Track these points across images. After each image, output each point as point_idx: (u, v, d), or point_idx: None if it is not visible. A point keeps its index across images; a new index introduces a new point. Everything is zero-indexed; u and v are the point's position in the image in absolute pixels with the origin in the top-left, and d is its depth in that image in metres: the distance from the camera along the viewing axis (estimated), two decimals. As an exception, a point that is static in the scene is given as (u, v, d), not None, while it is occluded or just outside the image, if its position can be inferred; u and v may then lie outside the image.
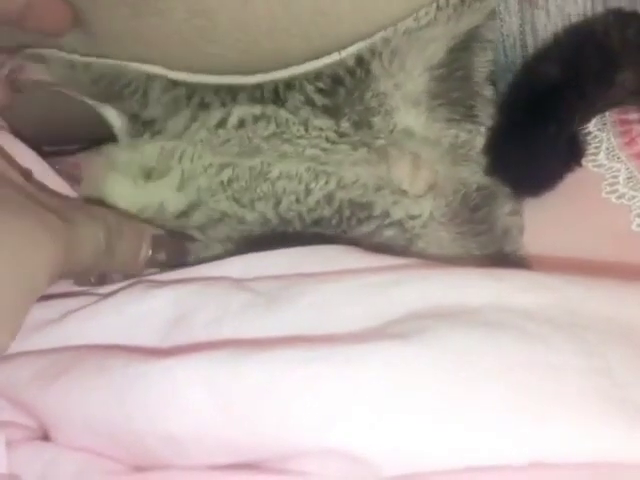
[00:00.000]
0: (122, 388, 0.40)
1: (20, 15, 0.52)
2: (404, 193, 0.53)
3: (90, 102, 0.57)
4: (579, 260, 0.51)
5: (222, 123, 0.56)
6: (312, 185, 0.53)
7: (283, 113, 0.56)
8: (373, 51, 0.53)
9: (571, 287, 0.41)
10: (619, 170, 0.54)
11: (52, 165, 0.55)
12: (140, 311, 0.45)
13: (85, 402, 0.41)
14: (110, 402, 0.40)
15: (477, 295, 0.41)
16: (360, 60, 0.54)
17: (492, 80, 0.56)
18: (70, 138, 0.64)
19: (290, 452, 0.38)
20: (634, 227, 0.52)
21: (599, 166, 0.55)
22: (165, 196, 0.55)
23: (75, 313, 0.46)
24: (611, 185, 0.54)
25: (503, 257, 0.53)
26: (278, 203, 0.54)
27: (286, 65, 0.57)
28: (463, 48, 0.54)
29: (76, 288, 0.50)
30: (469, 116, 0.55)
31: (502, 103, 0.54)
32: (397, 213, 0.53)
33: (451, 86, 0.54)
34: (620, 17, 0.54)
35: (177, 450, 0.39)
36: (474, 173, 0.54)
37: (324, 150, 0.54)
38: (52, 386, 0.41)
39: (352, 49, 0.53)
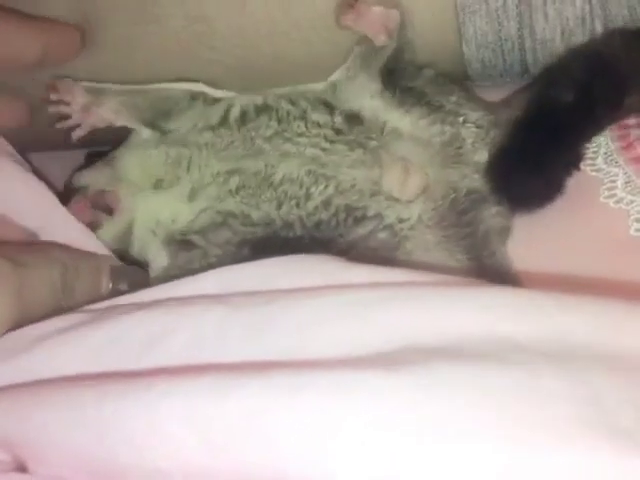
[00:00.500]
0: (99, 426, 0.39)
1: (38, 58, 0.53)
2: (396, 199, 0.54)
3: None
4: (574, 266, 0.51)
5: (224, 119, 0.57)
6: (312, 189, 0.54)
7: (284, 104, 0.56)
8: (334, 86, 0.58)
9: (558, 313, 0.40)
10: (617, 174, 0.54)
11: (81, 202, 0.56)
12: (111, 336, 0.44)
13: (62, 440, 0.40)
14: (89, 440, 0.39)
15: (463, 323, 0.40)
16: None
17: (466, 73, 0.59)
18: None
19: None
20: (632, 232, 0.53)
21: (597, 170, 0.55)
22: (178, 208, 0.56)
23: (44, 342, 0.44)
24: (609, 189, 0.54)
25: (485, 263, 0.54)
26: (280, 206, 0.54)
27: (286, 70, 0.57)
28: (389, 75, 0.57)
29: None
30: (447, 111, 0.56)
31: (513, 125, 0.55)
32: (389, 217, 0.54)
33: (403, 97, 0.57)
34: (626, 38, 0.54)
35: None
36: (464, 177, 0.55)
37: (324, 150, 0.55)
38: (30, 418, 0.40)
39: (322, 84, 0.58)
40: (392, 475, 0.36)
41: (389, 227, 0.54)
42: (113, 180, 0.57)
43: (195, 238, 0.55)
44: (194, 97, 0.58)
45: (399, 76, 0.57)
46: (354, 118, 0.56)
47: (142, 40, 0.57)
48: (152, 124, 0.58)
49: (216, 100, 0.58)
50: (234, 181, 0.55)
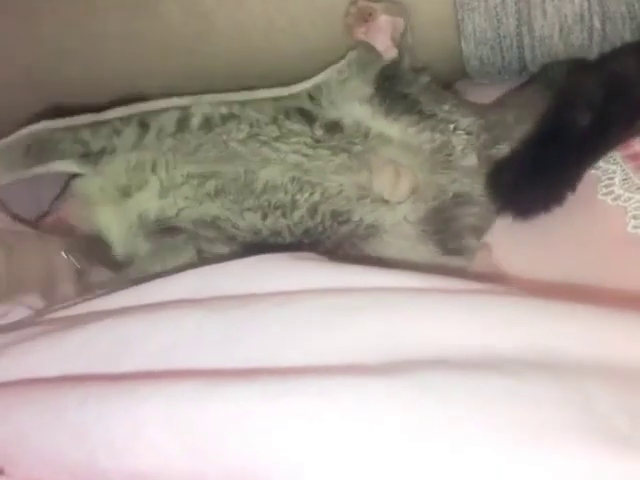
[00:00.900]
0: (81, 428, 0.39)
1: None
2: (385, 201, 0.54)
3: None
4: (572, 263, 0.51)
5: (183, 125, 0.56)
6: (298, 197, 0.54)
7: (251, 112, 0.56)
8: (319, 89, 0.57)
9: (544, 324, 0.40)
10: (615, 172, 0.54)
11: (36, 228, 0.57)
12: (87, 339, 0.43)
13: (41, 442, 0.39)
14: (69, 442, 0.39)
15: (450, 333, 0.40)
16: (310, 95, 0.57)
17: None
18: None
19: None
20: (630, 228, 0.52)
21: (595, 168, 0.55)
22: (146, 206, 0.56)
23: (10, 348, 0.44)
24: (607, 187, 0.54)
25: (452, 257, 0.55)
26: (265, 217, 0.54)
27: (282, 65, 0.57)
28: (385, 81, 0.57)
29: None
30: (439, 119, 0.56)
31: (527, 139, 0.55)
32: (371, 218, 0.54)
33: (395, 105, 0.57)
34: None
35: None
36: (453, 181, 0.55)
37: (306, 156, 0.55)
38: (8, 419, 0.40)
39: (299, 86, 0.57)
40: (375, 477, 0.35)
41: (371, 226, 0.54)
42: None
43: (179, 225, 0.55)
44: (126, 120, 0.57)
45: (396, 82, 0.57)
46: (334, 126, 0.56)
47: (141, 35, 0.57)
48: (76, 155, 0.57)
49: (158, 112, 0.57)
50: (210, 185, 0.54)
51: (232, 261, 0.47)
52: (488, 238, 0.56)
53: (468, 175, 0.56)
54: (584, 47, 0.56)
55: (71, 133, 0.56)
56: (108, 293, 0.49)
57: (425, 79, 0.58)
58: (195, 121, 0.56)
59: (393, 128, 0.56)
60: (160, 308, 0.45)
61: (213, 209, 0.54)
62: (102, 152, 0.56)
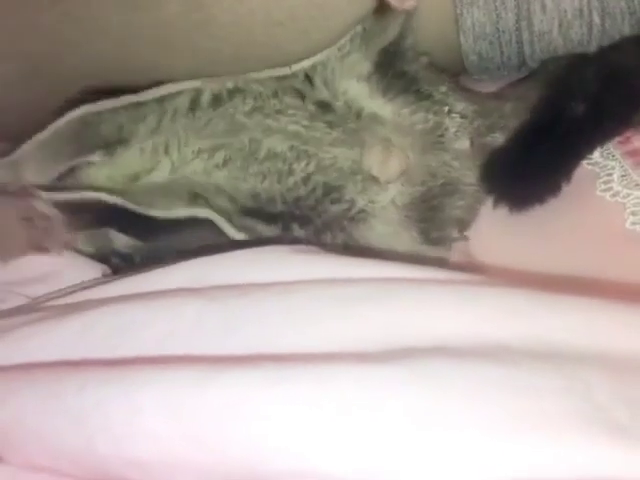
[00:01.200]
0: (80, 414, 0.39)
1: None
2: (375, 180, 0.55)
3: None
4: (570, 259, 0.51)
5: (194, 104, 0.57)
6: (294, 165, 0.55)
7: (254, 86, 0.57)
8: (315, 68, 0.58)
9: (543, 314, 0.40)
10: (614, 168, 0.54)
11: None
12: (86, 325, 0.43)
13: (41, 427, 0.39)
14: (68, 428, 0.39)
15: (449, 322, 0.40)
16: (306, 74, 0.58)
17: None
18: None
19: (260, 475, 0.37)
20: (628, 225, 0.52)
21: (594, 164, 0.55)
22: (154, 180, 0.56)
23: (9, 333, 0.44)
24: (605, 183, 0.54)
25: (434, 246, 0.55)
26: (264, 180, 0.55)
27: (281, 59, 0.57)
28: (387, 57, 0.57)
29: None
30: (434, 100, 0.57)
31: (522, 129, 0.55)
32: (363, 200, 0.55)
33: (393, 83, 0.57)
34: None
35: (141, 472, 0.38)
36: (442, 164, 0.56)
37: (305, 127, 0.56)
38: (6, 408, 0.40)
39: (299, 65, 0.58)
40: (378, 467, 0.36)
41: (362, 210, 0.55)
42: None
43: None
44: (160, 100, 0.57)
45: (397, 59, 0.57)
46: (325, 106, 0.57)
47: (140, 26, 0.57)
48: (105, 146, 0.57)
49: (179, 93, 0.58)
50: (219, 156, 0.55)
51: (232, 252, 0.47)
52: (484, 232, 0.56)
53: (459, 158, 0.56)
54: (583, 42, 0.56)
55: (111, 116, 0.57)
56: (108, 281, 0.49)
57: (425, 59, 0.58)
58: (205, 99, 0.57)
59: (386, 109, 0.56)
60: (160, 296, 0.45)
61: (220, 179, 0.56)
62: (118, 142, 0.57)
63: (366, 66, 0.57)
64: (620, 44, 0.56)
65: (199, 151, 0.56)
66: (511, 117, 0.57)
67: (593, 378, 0.37)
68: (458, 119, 0.56)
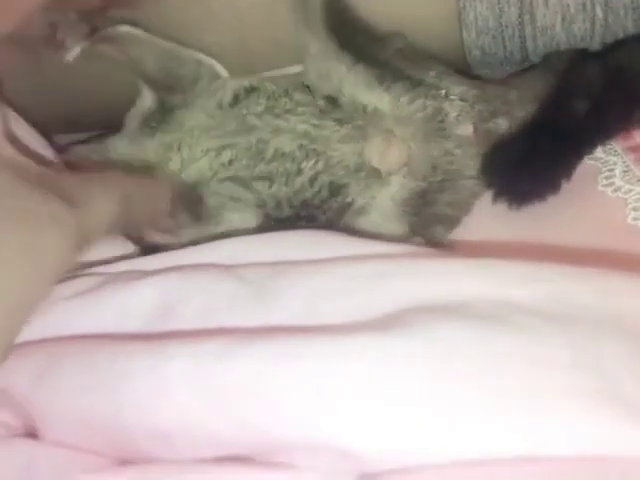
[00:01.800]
0: (111, 385, 0.40)
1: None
2: (377, 173, 0.55)
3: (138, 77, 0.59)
4: (572, 252, 0.51)
5: (220, 104, 0.58)
6: (303, 164, 0.55)
7: (267, 84, 0.57)
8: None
9: (561, 279, 0.41)
10: (615, 163, 0.54)
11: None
12: (126, 301, 0.45)
13: (75, 398, 0.41)
14: (100, 398, 0.41)
15: (467, 288, 0.42)
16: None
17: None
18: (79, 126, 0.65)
19: (279, 446, 0.38)
20: (630, 220, 0.52)
21: (595, 159, 0.55)
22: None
23: (61, 304, 0.46)
24: (607, 178, 0.54)
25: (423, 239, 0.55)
26: (271, 185, 0.55)
27: (281, 55, 0.57)
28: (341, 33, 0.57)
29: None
30: (428, 85, 0.56)
31: (524, 126, 0.55)
32: (364, 199, 0.55)
33: (386, 71, 0.56)
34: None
35: (164, 443, 0.40)
36: (445, 154, 0.55)
37: (314, 126, 0.56)
38: (43, 384, 0.42)
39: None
40: (392, 438, 0.37)
41: (362, 206, 0.55)
42: (102, 157, 0.59)
43: None
44: (199, 76, 0.59)
45: (364, 46, 0.57)
46: (333, 101, 0.56)
47: (141, 21, 0.57)
48: (157, 90, 0.59)
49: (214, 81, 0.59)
50: (226, 155, 0.56)
51: (263, 234, 0.50)
52: (482, 225, 0.56)
53: (461, 146, 0.55)
54: (586, 37, 0.56)
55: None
56: (144, 258, 0.51)
57: (396, 43, 0.57)
58: (226, 98, 0.58)
59: (384, 100, 0.56)
60: (197, 272, 0.47)
61: (225, 182, 0.56)
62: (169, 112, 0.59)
63: (346, 57, 0.56)
64: (623, 42, 0.56)
65: (207, 150, 0.56)
66: (516, 105, 0.56)
67: (606, 349, 0.38)
68: (458, 102, 0.56)
